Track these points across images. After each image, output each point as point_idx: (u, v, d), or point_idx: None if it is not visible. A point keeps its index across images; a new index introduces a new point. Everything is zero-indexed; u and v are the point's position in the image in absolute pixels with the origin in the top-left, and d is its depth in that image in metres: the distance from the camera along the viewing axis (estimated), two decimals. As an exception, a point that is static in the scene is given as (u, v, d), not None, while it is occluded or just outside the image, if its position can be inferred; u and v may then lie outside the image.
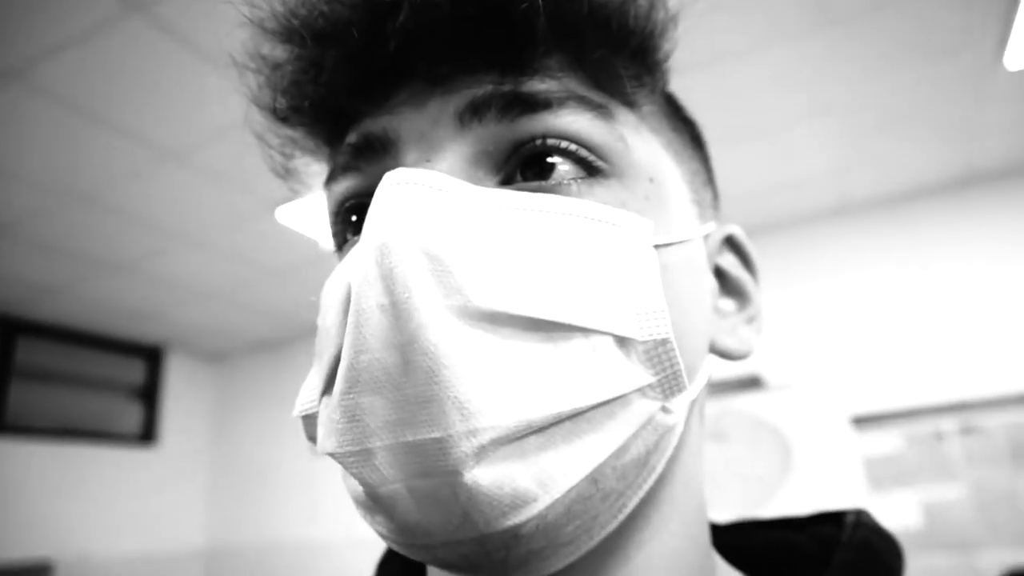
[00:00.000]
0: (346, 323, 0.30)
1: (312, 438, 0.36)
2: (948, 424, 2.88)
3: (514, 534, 0.28)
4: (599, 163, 0.35)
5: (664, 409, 0.32)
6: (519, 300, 0.30)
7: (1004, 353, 2.85)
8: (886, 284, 3.14)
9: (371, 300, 0.28)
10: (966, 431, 2.86)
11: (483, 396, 0.28)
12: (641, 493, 0.32)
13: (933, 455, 2.88)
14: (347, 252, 0.38)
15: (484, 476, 0.28)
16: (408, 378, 0.28)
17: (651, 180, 0.37)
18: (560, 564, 0.31)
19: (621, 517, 0.32)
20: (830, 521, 0.45)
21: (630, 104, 0.39)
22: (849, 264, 3.23)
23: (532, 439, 0.29)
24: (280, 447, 4.49)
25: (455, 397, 0.28)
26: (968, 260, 3.01)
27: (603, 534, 0.32)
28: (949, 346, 2.93)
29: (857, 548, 0.41)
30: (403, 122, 0.36)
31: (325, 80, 0.37)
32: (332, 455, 0.31)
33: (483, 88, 0.34)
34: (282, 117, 0.40)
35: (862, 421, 2.98)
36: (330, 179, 0.39)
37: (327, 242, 0.43)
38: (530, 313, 0.30)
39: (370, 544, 4.30)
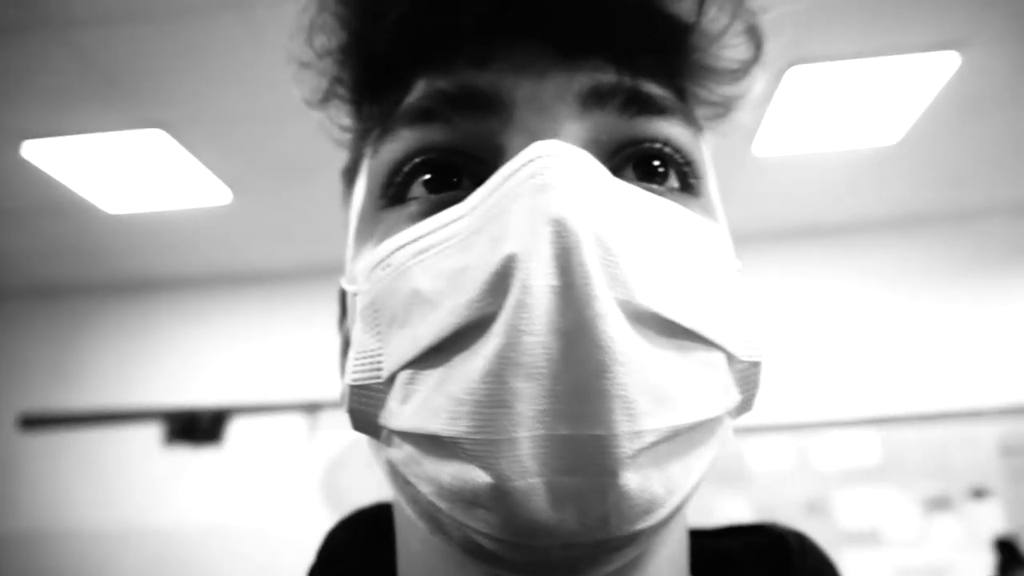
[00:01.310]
0: (485, 295, 0.27)
1: (359, 412, 0.33)
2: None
3: (632, 538, 0.28)
4: (692, 180, 0.36)
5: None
6: (668, 303, 0.29)
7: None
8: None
9: (541, 279, 0.26)
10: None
11: (648, 398, 0.27)
12: (687, 504, 0.33)
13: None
14: (409, 209, 0.34)
15: (633, 479, 0.27)
16: (573, 369, 0.26)
17: (716, 207, 0.38)
18: (614, 567, 0.30)
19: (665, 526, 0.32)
20: (747, 532, 0.47)
21: (701, 130, 0.39)
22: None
23: (664, 446, 0.28)
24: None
25: (624, 396, 0.26)
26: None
27: (650, 542, 0.32)
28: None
29: (810, 553, 0.44)
30: (519, 87, 0.33)
31: (436, 16, 0.33)
32: (454, 439, 0.27)
33: (607, 75, 0.33)
34: (369, 39, 0.36)
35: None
36: (400, 123, 0.34)
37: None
38: (676, 318, 0.29)
39: (33, 539, 3.71)
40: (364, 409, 0.33)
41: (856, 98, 2.33)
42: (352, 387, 0.32)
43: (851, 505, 3.21)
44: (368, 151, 0.37)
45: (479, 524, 0.28)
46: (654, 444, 0.27)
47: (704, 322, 0.30)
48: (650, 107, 0.34)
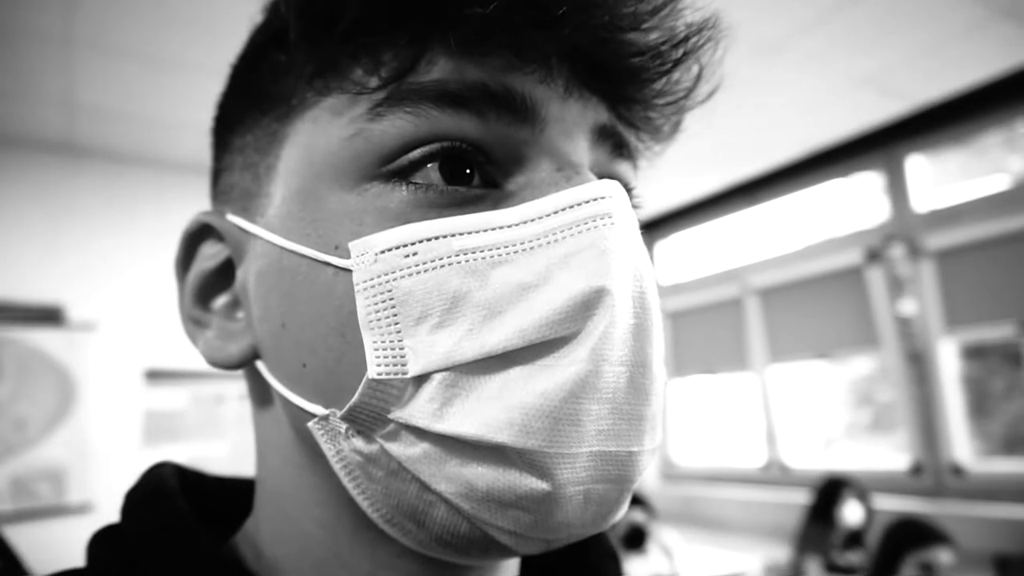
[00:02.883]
0: (566, 320, 0.29)
1: (366, 404, 0.30)
2: (229, 389, 3.19)
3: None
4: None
5: None
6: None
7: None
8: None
9: (626, 320, 0.30)
10: (243, 396, 3.22)
11: (659, 421, 0.32)
12: None
13: (211, 415, 3.14)
14: (424, 195, 0.32)
15: (635, 486, 0.33)
16: (628, 395, 0.30)
17: None
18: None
19: None
20: None
21: None
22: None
23: None
24: None
25: (652, 419, 0.32)
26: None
27: None
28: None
29: None
30: (550, 104, 0.33)
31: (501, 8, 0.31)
32: (523, 451, 0.29)
33: (605, 116, 0.36)
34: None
35: (155, 375, 3.02)
36: (425, 100, 0.32)
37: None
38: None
39: None
40: (373, 403, 0.31)
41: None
42: (370, 380, 0.30)
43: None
44: (346, 104, 0.34)
45: (506, 523, 0.30)
46: None
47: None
48: (627, 152, 0.38)
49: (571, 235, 0.31)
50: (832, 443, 3.85)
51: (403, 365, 0.30)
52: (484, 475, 0.29)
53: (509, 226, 0.31)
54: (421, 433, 0.30)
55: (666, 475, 4.23)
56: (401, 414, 0.30)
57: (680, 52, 0.35)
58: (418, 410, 0.30)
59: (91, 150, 2.93)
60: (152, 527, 0.36)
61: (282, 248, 0.34)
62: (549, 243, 0.31)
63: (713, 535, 3.66)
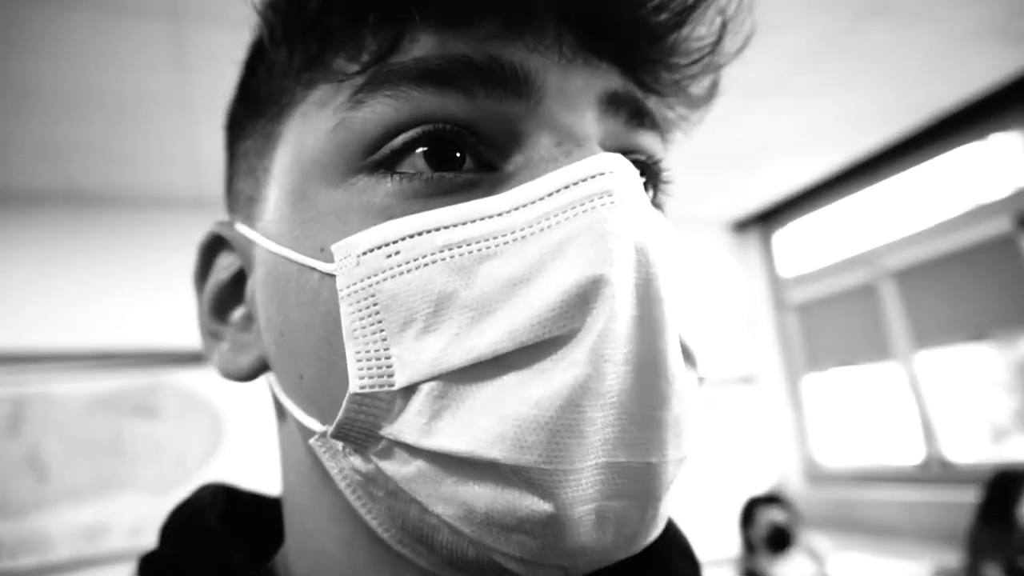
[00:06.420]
0: (562, 316, 0.25)
1: (353, 420, 0.28)
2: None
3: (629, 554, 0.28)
4: (663, 196, 0.36)
5: None
6: (690, 331, 0.30)
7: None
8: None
9: (627, 308, 0.25)
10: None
11: (687, 426, 0.27)
12: None
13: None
14: (409, 184, 0.29)
15: (664, 501, 0.28)
16: (639, 398, 0.26)
17: None
18: None
19: None
20: None
21: None
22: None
23: None
24: None
25: (676, 425, 0.27)
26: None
27: None
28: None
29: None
30: (548, 74, 0.30)
31: None
32: (520, 468, 0.25)
33: (618, 83, 0.32)
34: None
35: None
36: (404, 80, 0.29)
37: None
38: (690, 346, 0.30)
39: None
40: (361, 418, 0.28)
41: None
42: (354, 395, 0.27)
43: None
44: (330, 95, 0.31)
45: (511, 548, 0.26)
46: None
47: (699, 346, 0.32)
48: (649, 122, 0.34)
49: (566, 219, 0.27)
50: (1000, 434, 3.47)
51: (390, 376, 0.27)
52: (482, 495, 0.26)
53: (499, 214, 0.27)
54: (412, 450, 0.27)
55: (811, 476, 3.96)
56: (391, 430, 0.27)
57: (689, 1, 0.30)
58: (407, 425, 0.27)
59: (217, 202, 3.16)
60: (183, 550, 0.34)
61: (276, 254, 0.32)
62: (542, 230, 0.27)
63: (871, 541, 3.39)
